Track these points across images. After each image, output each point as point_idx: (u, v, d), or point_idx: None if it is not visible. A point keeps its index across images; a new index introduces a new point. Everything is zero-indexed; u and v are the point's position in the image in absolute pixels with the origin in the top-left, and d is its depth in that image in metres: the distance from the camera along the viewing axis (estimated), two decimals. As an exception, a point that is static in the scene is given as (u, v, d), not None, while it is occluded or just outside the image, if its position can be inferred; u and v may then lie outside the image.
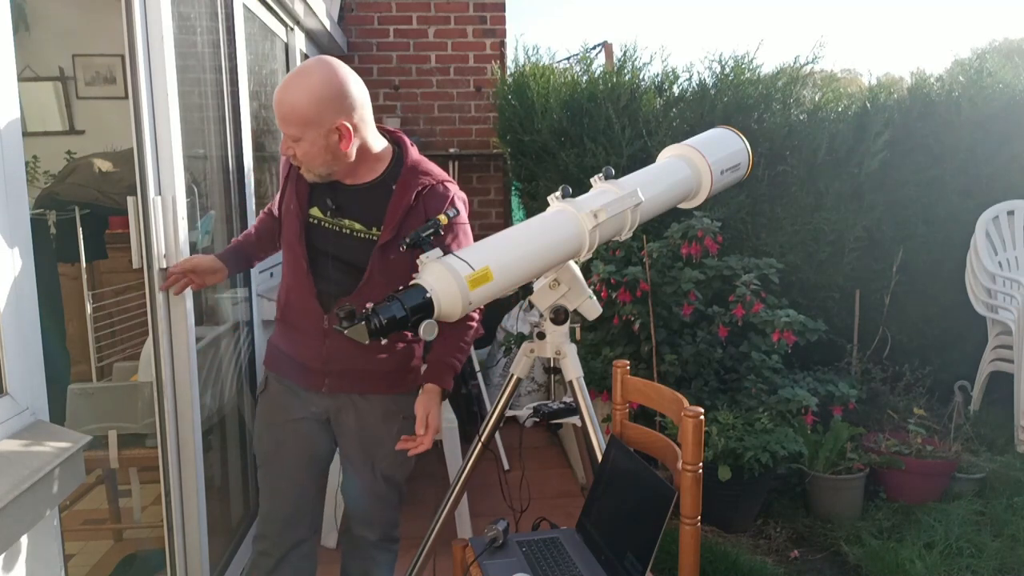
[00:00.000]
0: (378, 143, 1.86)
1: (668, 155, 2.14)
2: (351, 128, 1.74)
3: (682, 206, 2.16)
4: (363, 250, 1.85)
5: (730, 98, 3.86)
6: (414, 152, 1.91)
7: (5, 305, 1.33)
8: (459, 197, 1.90)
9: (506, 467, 3.37)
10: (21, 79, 1.47)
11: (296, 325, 1.94)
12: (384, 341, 1.60)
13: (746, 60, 3.92)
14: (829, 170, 3.82)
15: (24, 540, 1.34)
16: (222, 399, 2.57)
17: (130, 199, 2.01)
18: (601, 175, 1.96)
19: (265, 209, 2.13)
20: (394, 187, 1.85)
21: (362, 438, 1.97)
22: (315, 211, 1.88)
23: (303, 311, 1.91)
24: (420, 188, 1.84)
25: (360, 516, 2.05)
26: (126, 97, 1.99)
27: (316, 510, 2.08)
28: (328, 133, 1.73)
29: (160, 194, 1.98)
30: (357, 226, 1.86)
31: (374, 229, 1.84)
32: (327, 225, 1.87)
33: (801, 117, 3.93)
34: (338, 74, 1.73)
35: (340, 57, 4.82)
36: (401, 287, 1.64)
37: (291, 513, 2.00)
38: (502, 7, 4.97)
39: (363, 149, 1.81)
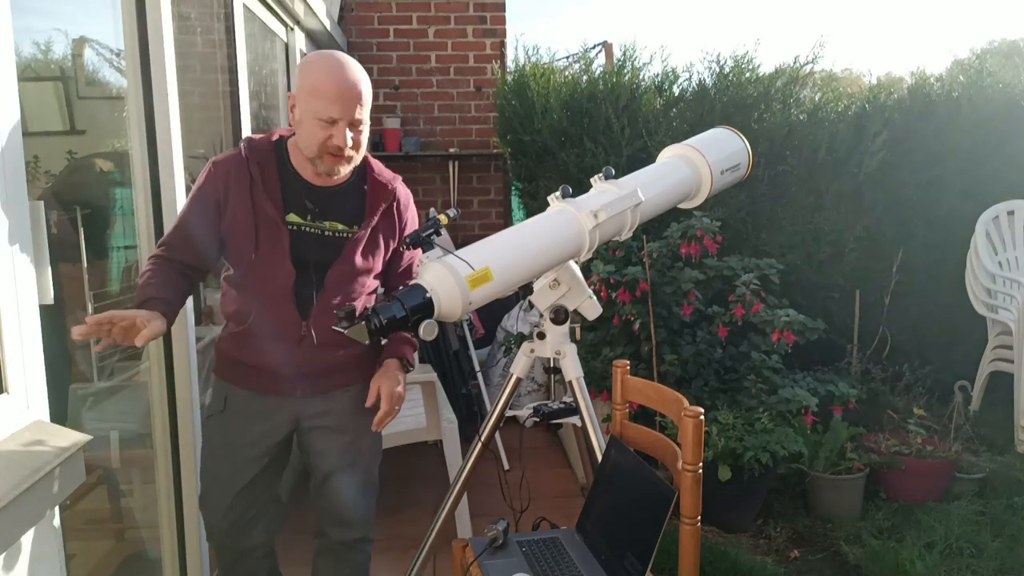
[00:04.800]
0: None
1: (668, 155, 2.14)
2: None
3: (682, 206, 2.16)
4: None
5: (730, 98, 3.86)
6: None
7: (5, 305, 1.34)
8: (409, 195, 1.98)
9: (506, 467, 3.37)
10: (21, 79, 1.47)
11: (264, 334, 1.83)
12: (384, 341, 1.60)
13: (746, 60, 3.92)
14: (829, 170, 3.82)
15: (24, 540, 1.34)
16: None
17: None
18: (601, 175, 1.96)
19: (160, 246, 1.84)
20: (366, 187, 1.86)
21: (343, 434, 1.91)
22: (292, 216, 1.80)
23: (277, 319, 1.81)
24: (390, 186, 1.88)
25: (343, 517, 1.97)
26: (126, 97, 1.99)
27: (270, 516, 2.00)
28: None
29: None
30: (340, 226, 1.83)
31: (354, 227, 1.84)
32: (308, 229, 1.82)
33: (801, 117, 3.93)
34: None
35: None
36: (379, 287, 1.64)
37: (241, 526, 1.94)
38: (502, 7, 4.97)
39: None
